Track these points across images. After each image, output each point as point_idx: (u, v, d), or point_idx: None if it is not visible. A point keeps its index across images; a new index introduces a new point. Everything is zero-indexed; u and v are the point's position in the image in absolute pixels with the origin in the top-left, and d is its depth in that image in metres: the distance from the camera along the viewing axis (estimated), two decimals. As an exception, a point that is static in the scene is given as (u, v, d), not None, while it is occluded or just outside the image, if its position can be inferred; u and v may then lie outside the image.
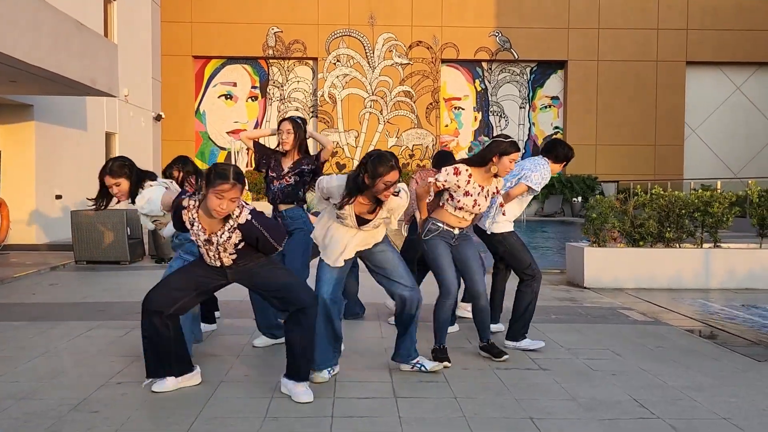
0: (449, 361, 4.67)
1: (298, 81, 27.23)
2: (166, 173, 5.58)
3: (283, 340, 5.26)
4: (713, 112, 26.93)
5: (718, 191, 9.21)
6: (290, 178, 5.20)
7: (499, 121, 27.25)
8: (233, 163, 18.73)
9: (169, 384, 4.04)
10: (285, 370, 4.02)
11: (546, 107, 27.73)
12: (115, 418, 3.63)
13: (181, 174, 5.54)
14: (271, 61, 26.99)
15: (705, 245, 8.64)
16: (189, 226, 3.87)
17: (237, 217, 3.76)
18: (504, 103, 27.34)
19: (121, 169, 4.43)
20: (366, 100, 27.09)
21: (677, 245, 8.53)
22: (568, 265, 9.23)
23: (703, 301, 7.60)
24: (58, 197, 12.60)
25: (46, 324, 5.95)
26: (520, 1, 26.61)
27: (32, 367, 4.59)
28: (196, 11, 26.09)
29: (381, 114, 27.09)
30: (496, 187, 4.84)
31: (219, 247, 3.85)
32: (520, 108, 27.49)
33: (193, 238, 3.92)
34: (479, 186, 4.68)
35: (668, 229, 8.40)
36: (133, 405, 3.85)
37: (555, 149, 5.64)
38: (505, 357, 4.83)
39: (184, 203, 3.84)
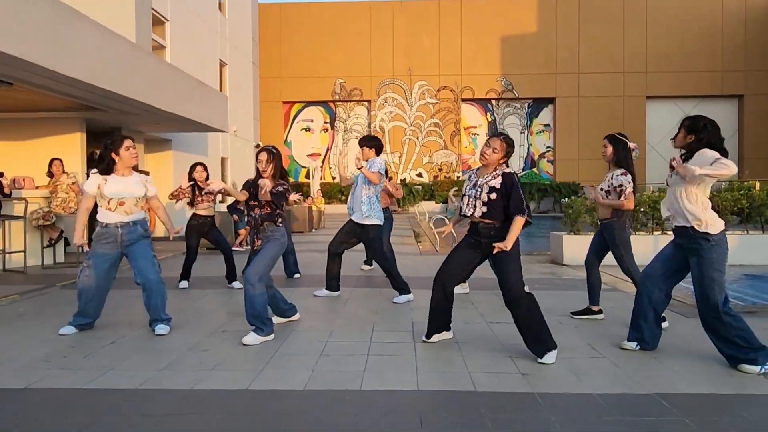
0: None
1: (357, 117, 27.49)
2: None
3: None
4: (667, 133, 26.02)
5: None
6: (269, 205, 4.14)
7: (505, 143, 26.93)
8: (312, 177, 18.88)
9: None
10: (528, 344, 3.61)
11: (540, 132, 27.27)
12: (218, 356, 3.71)
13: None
14: (337, 103, 27.32)
15: (654, 233, 8.45)
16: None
17: (503, 167, 3.67)
18: (508, 130, 27.02)
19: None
20: (406, 130, 27.12)
21: (635, 233, 8.32)
22: (552, 248, 9.12)
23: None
24: None
25: (177, 291, 6.13)
26: (519, 54, 26.26)
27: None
28: (284, 69, 26.62)
29: (417, 140, 27.06)
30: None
31: (479, 189, 3.63)
32: (521, 133, 27.11)
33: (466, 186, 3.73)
34: None
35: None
36: (231, 347, 3.92)
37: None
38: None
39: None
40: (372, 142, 5.61)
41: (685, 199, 3.46)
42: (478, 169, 3.85)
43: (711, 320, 3.44)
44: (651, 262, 3.78)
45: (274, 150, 4.20)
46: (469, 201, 3.71)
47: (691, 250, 3.48)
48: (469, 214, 3.70)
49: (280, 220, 4.16)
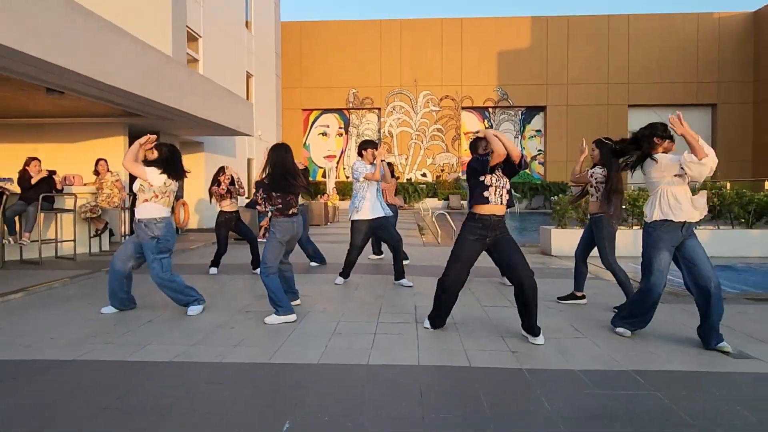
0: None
1: (368, 123, 27.42)
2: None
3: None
4: (648, 138, 25.76)
5: (641, 192, 8.85)
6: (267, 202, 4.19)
7: (500, 146, 26.78)
8: (328, 177, 18.95)
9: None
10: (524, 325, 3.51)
11: (532, 137, 27.05)
12: (243, 333, 3.74)
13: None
14: (350, 110, 27.27)
15: (634, 227, 8.36)
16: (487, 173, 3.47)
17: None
18: (504, 134, 26.74)
19: None
20: (412, 134, 27.03)
21: (618, 227, 8.26)
22: (542, 240, 9.07)
23: (634, 264, 7.34)
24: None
25: (208, 276, 6.21)
26: (514, 66, 26.04)
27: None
28: (304, 80, 26.60)
29: (422, 143, 26.97)
30: None
31: (504, 179, 3.52)
32: (515, 138, 26.88)
33: (489, 182, 3.47)
34: None
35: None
36: (255, 325, 3.94)
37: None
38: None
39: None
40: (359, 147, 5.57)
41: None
42: (488, 160, 3.50)
43: (719, 292, 3.29)
44: (658, 272, 3.40)
45: (272, 146, 4.07)
46: (496, 191, 3.48)
47: (690, 236, 3.44)
48: (498, 203, 3.48)
49: (275, 213, 4.10)
